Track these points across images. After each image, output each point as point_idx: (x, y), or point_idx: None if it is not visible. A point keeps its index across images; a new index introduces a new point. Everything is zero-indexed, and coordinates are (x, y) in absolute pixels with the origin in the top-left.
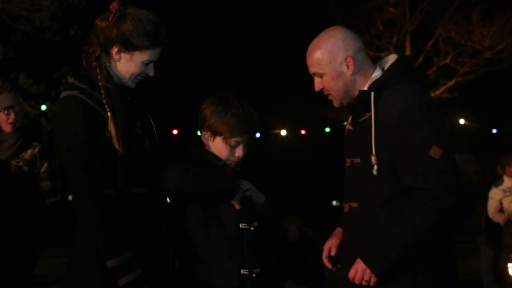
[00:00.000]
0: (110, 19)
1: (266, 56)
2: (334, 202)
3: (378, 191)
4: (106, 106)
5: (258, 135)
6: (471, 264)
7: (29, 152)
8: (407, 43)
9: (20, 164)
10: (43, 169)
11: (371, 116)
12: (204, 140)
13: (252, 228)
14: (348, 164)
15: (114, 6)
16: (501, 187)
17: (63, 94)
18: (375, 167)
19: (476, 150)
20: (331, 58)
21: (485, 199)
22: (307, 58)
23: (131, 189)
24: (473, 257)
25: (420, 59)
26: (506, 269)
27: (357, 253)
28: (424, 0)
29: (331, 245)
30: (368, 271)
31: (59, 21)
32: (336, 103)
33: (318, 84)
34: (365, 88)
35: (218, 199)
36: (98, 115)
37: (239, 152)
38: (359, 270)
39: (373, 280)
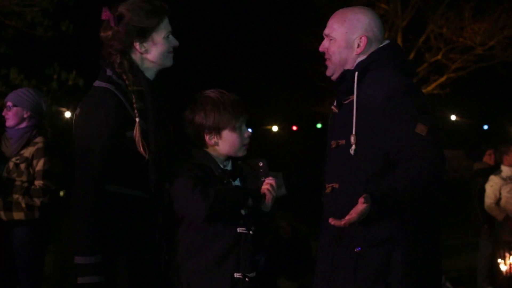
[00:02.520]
0: (112, 24)
1: (258, 52)
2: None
3: (357, 171)
4: (135, 111)
5: (250, 130)
6: (466, 259)
7: (29, 149)
8: (399, 39)
9: (18, 162)
10: (38, 168)
11: (353, 98)
12: (211, 143)
13: (250, 232)
14: (334, 146)
15: (106, 14)
16: (500, 176)
17: (98, 83)
18: (353, 146)
19: (467, 147)
20: (349, 30)
21: (479, 193)
22: (330, 18)
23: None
24: (467, 252)
25: (412, 55)
26: (498, 264)
27: (335, 236)
28: None
29: None
30: (365, 206)
31: (51, 16)
32: (329, 72)
33: (324, 44)
34: (351, 68)
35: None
36: (127, 114)
37: (247, 132)
38: (362, 204)
39: (363, 209)
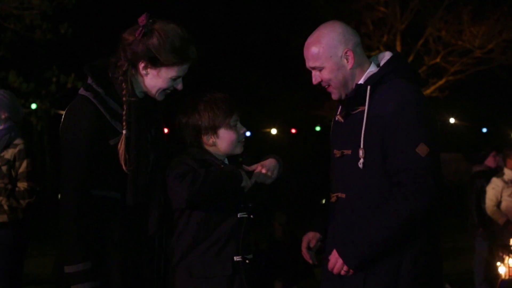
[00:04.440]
0: (136, 34)
1: (257, 55)
2: (324, 201)
3: (365, 183)
4: (124, 123)
5: (248, 133)
6: (464, 262)
7: (10, 151)
8: (398, 42)
9: None
10: (21, 169)
11: (364, 110)
12: (209, 143)
13: (251, 216)
14: (338, 155)
15: (142, 20)
16: (502, 178)
17: (80, 92)
18: (361, 160)
19: (466, 150)
20: (332, 53)
21: (478, 195)
22: (305, 52)
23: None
24: (465, 255)
25: (411, 58)
26: (496, 267)
27: (343, 243)
28: None
29: (310, 238)
30: (341, 262)
31: (50, 19)
32: (335, 96)
33: (316, 77)
34: (361, 81)
35: (230, 198)
36: (105, 122)
37: (243, 129)
38: (336, 262)
39: (349, 270)
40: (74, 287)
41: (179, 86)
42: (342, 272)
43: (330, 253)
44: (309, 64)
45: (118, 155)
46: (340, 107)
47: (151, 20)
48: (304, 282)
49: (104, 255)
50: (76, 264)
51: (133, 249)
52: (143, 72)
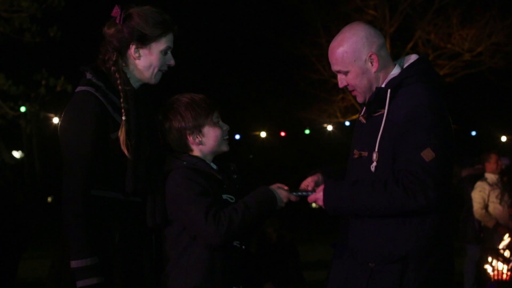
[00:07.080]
0: (117, 21)
1: (246, 58)
2: (313, 204)
3: None
4: (122, 110)
5: (238, 136)
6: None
7: None
8: (387, 45)
9: None
10: None
11: (384, 113)
12: (196, 144)
13: (243, 247)
14: (356, 156)
15: (116, 11)
16: (487, 182)
17: (79, 88)
18: (374, 163)
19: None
20: (356, 57)
21: (469, 199)
22: (330, 56)
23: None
24: (456, 258)
25: None
26: (486, 270)
27: (351, 249)
28: (404, 3)
29: (308, 182)
30: (321, 201)
31: (39, 22)
32: (360, 99)
33: (342, 81)
34: (383, 85)
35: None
36: (108, 115)
37: (226, 126)
38: (317, 199)
39: (320, 204)
40: (82, 282)
41: (172, 62)
42: (310, 200)
43: (338, 252)
44: (334, 68)
45: (119, 149)
46: (364, 108)
47: (124, 9)
48: (294, 285)
49: (105, 255)
50: (84, 259)
51: (133, 249)
52: (136, 55)
